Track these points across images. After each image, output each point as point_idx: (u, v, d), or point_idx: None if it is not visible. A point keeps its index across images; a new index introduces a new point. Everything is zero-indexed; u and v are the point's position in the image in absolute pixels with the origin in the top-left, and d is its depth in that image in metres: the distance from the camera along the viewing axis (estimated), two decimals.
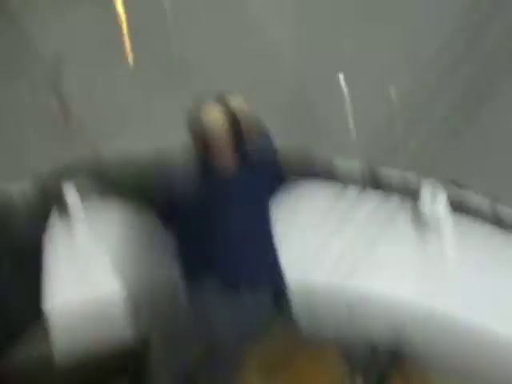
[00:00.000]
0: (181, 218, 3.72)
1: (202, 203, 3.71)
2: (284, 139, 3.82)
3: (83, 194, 3.85)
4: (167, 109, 5.57)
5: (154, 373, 3.95)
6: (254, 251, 3.76)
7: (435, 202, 4.05)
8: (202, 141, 3.71)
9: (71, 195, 3.83)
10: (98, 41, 5.80)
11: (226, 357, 3.86)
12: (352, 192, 4.00)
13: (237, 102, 3.76)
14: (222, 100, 3.74)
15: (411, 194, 4.09)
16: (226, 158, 3.70)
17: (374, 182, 4.06)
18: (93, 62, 5.70)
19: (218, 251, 3.70)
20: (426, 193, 4.06)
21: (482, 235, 4.09)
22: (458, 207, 4.10)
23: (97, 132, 4.46)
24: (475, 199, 4.15)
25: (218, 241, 3.70)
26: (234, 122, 3.69)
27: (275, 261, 3.80)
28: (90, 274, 3.83)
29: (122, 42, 5.81)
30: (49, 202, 3.84)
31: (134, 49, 5.83)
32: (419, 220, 4.05)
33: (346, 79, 5.33)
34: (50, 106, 3.99)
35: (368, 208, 3.88)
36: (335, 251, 3.83)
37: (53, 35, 5.47)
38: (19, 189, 3.85)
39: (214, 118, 3.69)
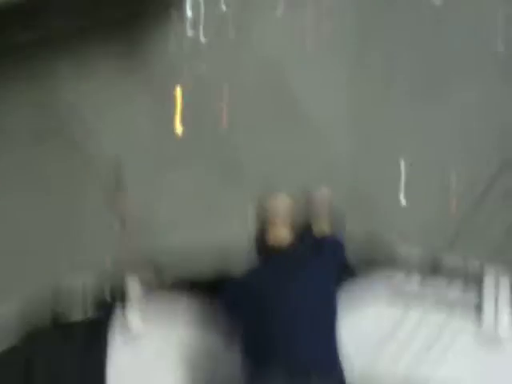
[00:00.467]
0: (244, 308, 3.73)
1: (261, 284, 3.74)
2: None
3: (146, 290, 3.86)
4: (224, 209, 5.68)
5: None
6: (317, 336, 3.73)
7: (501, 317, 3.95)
8: (262, 222, 3.81)
9: (135, 290, 3.84)
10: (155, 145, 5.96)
11: None
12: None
13: (320, 194, 3.91)
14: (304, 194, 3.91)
15: (474, 281, 4.00)
16: (282, 236, 3.77)
17: (435, 269, 3.99)
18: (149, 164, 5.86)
19: (280, 334, 3.68)
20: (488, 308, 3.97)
21: None
22: None
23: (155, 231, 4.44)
24: None
25: (279, 322, 3.69)
26: (303, 210, 3.83)
27: (336, 349, 3.75)
28: None
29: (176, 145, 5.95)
30: (111, 297, 3.86)
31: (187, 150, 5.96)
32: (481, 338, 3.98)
33: (405, 167, 5.37)
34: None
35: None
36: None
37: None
38: (81, 283, 3.87)
39: (278, 201, 3.82)
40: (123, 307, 3.84)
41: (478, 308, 3.97)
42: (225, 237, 4.13)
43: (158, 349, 3.85)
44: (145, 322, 3.84)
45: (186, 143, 5.86)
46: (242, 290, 3.79)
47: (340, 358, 3.74)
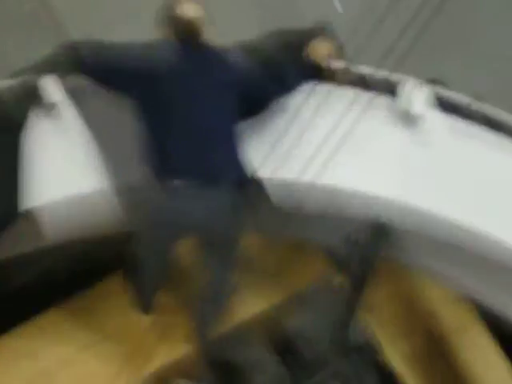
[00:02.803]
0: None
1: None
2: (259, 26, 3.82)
3: (63, 86, 3.81)
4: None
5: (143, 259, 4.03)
6: (223, 142, 3.77)
7: (416, 98, 3.97)
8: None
9: (51, 88, 3.78)
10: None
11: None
12: (324, 88, 3.93)
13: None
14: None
15: (388, 91, 4.03)
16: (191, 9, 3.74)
17: (345, 79, 3.99)
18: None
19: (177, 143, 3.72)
20: (406, 89, 3.99)
21: (466, 131, 4.01)
22: (439, 106, 4.03)
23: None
24: (456, 97, 4.07)
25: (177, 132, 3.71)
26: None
27: (236, 157, 3.78)
28: (72, 168, 3.80)
29: None
30: (29, 97, 3.79)
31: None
32: (398, 115, 3.98)
33: None
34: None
35: (342, 104, 3.75)
36: (307, 148, 3.76)
37: None
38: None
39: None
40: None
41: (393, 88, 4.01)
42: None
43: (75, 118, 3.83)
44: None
45: None
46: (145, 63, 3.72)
47: (242, 168, 3.78)
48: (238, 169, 3.77)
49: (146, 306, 4.33)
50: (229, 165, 3.77)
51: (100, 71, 3.76)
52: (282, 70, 3.90)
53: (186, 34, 3.73)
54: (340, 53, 4.03)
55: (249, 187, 3.80)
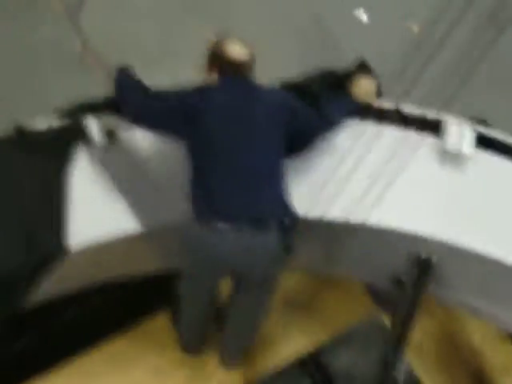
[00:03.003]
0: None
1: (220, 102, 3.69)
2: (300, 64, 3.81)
3: (106, 128, 3.86)
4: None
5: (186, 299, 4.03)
6: (271, 180, 3.72)
7: (461, 138, 3.97)
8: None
9: (94, 128, 3.84)
10: None
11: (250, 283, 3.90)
12: (371, 129, 3.95)
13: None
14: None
15: (433, 130, 4.03)
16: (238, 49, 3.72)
17: (393, 118, 4.00)
18: None
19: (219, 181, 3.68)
20: (452, 129, 4.00)
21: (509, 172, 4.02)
22: (484, 145, 4.02)
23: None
24: (501, 136, 4.06)
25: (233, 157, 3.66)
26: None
27: (281, 197, 3.73)
28: (113, 207, 3.83)
29: None
30: (71, 136, 3.85)
31: None
32: (444, 154, 3.96)
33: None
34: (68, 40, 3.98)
35: (388, 144, 3.82)
36: (355, 188, 3.79)
37: None
38: (41, 123, 3.86)
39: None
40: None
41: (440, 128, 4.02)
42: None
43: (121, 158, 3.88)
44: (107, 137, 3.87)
45: None
46: (197, 102, 3.69)
47: (287, 207, 3.74)
48: (283, 209, 3.72)
49: (192, 347, 4.34)
50: (274, 205, 3.71)
51: (152, 117, 3.76)
52: (325, 106, 3.90)
53: (235, 75, 3.73)
54: (379, 91, 4.09)
55: (292, 227, 3.76)
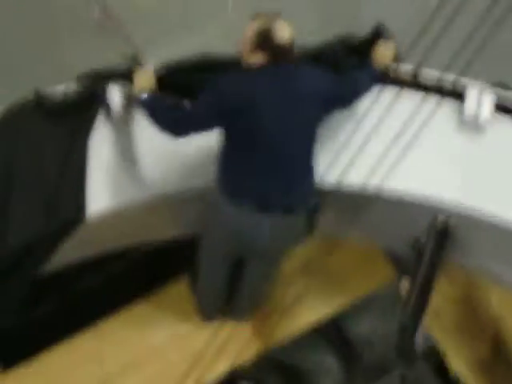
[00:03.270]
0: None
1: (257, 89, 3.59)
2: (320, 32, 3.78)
3: (126, 96, 3.84)
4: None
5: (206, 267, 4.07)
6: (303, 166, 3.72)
7: (481, 103, 3.94)
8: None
9: (115, 96, 3.82)
10: None
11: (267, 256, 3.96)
12: (390, 92, 3.91)
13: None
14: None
15: (452, 95, 3.99)
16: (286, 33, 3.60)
17: (413, 83, 3.97)
18: None
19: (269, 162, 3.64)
20: (472, 94, 3.96)
21: None
22: (504, 110, 3.98)
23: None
24: None
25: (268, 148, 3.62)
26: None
27: (312, 184, 3.76)
28: (136, 173, 3.84)
29: None
30: (91, 103, 3.84)
31: None
32: (465, 119, 3.94)
33: None
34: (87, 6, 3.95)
35: (408, 107, 3.76)
36: (374, 152, 3.76)
37: None
38: (61, 90, 3.85)
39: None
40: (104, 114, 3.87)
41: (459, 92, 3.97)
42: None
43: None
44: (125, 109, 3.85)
45: None
46: (234, 88, 3.60)
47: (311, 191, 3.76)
48: (312, 195, 3.74)
49: (208, 314, 4.38)
50: (305, 194, 3.73)
51: (192, 126, 3.65)
52: (353, 77, 3.87)
53: (281, 58, 3.60)
54: (399, 56, 4.04)
55: (318, 210, 3.79)
